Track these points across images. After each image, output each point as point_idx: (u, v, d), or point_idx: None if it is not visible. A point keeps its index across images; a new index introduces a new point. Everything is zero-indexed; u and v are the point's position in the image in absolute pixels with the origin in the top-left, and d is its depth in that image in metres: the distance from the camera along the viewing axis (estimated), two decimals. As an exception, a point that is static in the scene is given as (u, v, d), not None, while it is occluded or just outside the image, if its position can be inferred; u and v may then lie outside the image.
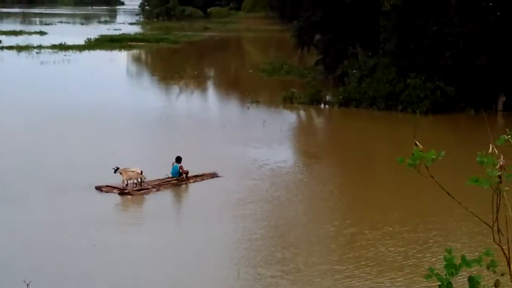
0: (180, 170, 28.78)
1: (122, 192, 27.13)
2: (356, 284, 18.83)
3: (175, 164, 29.00)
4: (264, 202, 26.13)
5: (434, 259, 19.89)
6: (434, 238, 22.03)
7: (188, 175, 28.93)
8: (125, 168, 27.30)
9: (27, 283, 15.18)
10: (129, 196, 27.09)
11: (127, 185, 27.33)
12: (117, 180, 27.34)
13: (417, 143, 5.07)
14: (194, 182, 29.06)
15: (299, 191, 28.31)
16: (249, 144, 35.76)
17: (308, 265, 19.97)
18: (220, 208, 25.37)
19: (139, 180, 27.64)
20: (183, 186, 28.76)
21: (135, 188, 27.44)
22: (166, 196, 28.08)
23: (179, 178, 28.80)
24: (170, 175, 28.87)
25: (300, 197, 27.46)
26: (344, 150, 36.59)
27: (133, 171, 27.44)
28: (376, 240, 21.86)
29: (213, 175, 29.60)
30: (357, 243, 21.67)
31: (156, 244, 22.04)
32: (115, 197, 26.98)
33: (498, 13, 42.94)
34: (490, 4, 42.82)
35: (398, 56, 46.97)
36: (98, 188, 27.28)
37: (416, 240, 21.93)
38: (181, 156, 29.09)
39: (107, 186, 27.35)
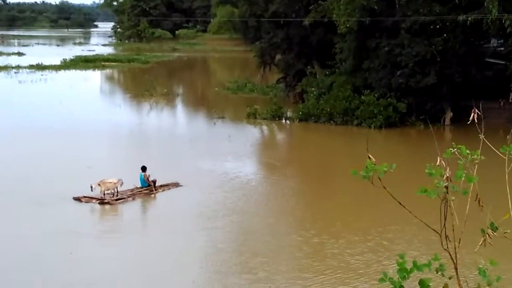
0: (145, 179, 28.87)
1: (102, 202, 26.98)
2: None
3: (140, 173, 29.04)
4: (231, 213, 25.99)
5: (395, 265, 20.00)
6: (394, 246, 21.96)
7: (156, 184, 28.99)
8: (102, 180, 27.18)
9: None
10: (109, 206, 26.96)
11: (104, 195, 27.18)
12: (94, 192, 27.24)
13: (370, 156, 5.16)
14: (162, 191, 29.10)
15: (265, 202, 28.20)
16: (215, 157, 35.69)
17: (277, 273, 19.80)
18: (189, 219, 25.13)
19: (116, 190, 27.58)
20: (153, 195, 28.71)
21: (113, 198, 27.33)
22: (139, 206, 27.95)
23: (149, 188, 28.80)
24: (139, 185, 28.87)
25: (265, 208, 27.36)
26: (305, 163, 36.60)
27: (110, 182, 27.40)
28: (341, 249, 21.78)
29: (176, 185, 29.70)
30: (322, 252, 21.56)
31: (131, 254, 21.82)
32: (94, 207, 26.76)
33: (445, 35, 43.36)
34: (438, 26, 43.20)
35: (353, 74, 47.34)
36: (77, 199, 27.04)
37: (377, 248, 21.86)
38: (146, 166, 29.20)
39: (85, 197, 27.13)
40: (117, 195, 27.56)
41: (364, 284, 19.05)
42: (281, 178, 32.51)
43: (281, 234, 23.68)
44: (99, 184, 27.07)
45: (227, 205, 26.90)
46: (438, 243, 5.25)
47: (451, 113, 45.20)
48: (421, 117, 45.05)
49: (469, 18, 40.47)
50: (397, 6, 45.14)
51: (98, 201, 27.02)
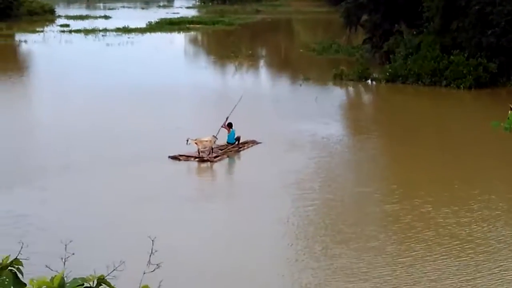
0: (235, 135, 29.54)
1: (202, 160, 27.48)
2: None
3: (231, 130, 29.47)
4: (319, 177, 26.00)
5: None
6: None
7: (240, 141, 29.69)
8: (198, 138, 27.59)
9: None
10: (208, 163, 27.46)
11: (199, 153, 27.66)
12: (187, 150, 27.72)
13: None
14: (247, 148, 29.63)
15: (354, 166, 28.20)
16: (303, 118, 35.72)
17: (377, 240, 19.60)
18: (277, 183, 24.79)
19: (212, 148, 28.06)
20: (242, 152, 29.34)
21: (212, 156, 27.81)
22: (231, 166, 28.45)
23: (237, 145, 29.51)
24: (225, 142, 29.48)
25: (356, 172, 27.35)
26: (393, 124, 36.38)
27: (207, 140, 27.87)
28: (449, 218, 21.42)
29: (254, 142, 30.15)
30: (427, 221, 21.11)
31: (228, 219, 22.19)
32: (191, 166, 27.31)
33: (539, -8, 42.18)
34: (531, -17, 42.07)
35: (441, 34, 46.47)
36: (174, 158, 27.53)
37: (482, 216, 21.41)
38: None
39: (182, 155, 27.63)
40: (213, 153, 28.01)
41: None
42: (364, 138, 32.43)
43: (352, 193, 23.70)
44: (196, 143, 27.50)
45: (315, 168, 26.94)
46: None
47: (544, 73, 44.08)
48: (512, 77, 44.17)
49: None
50: (489, -39, 44.02)
51: (197, 159, 27.53)
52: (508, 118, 4.85)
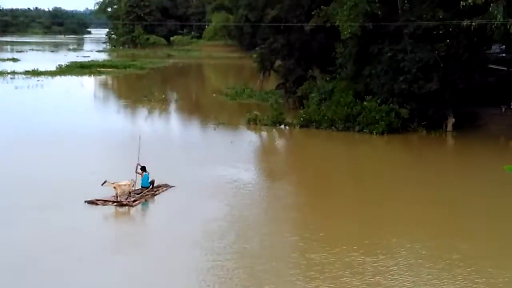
0: (149, 178, 28.87)
1: (121, 204, 26.57)
2: None
3: (144, 173, 28.70)
4: (231, 220, 25.32)
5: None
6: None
7: (153, 185, 29.01)
8: (115, 182, 26.68)
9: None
10: (126, 208, 26.56)
11: (117, 197, 26.76)
12: (104, 194, 26.73)
13: None
14: (162, 192, 28.88)
15: (264, 210, 27.50)
16: (217, 162, 35.11)
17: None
18: (189, 227, 24.02)
19: (129, 192, 27.28)
20: (157, 196, 28.50)
21: (131, 200, 26.99)
22: (143, 211, 27.45)
23: (152, 189, 28.74)
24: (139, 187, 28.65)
25: (264, 215, 26.69)
26: (307, 169, 35.92)
27: (125, 185, 27.03)
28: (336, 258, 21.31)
29: (167, 186, 29.40)
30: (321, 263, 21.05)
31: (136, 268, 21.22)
32: (107, 212, 26.22)
33: (448, 40, 43.07)
34: (441, 32, 42.86)
35: (354, 80, 46.96)
36: (91, 202, 26.47)
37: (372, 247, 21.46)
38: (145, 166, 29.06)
39: (99, 200, 26.62)
40: (131, 197, 27.21)
41: None
42: (283, 184, 32.01)
43: (281, 242, 22.91)
44: (114, 187, 26.57)
45: (231, 215, 26.13)
46: None
47: (454, 119, 44.90)
48: (423, 123, 44.78)
49: (473, 23, 40.13)
50: (400, 11, 44.88)
51: (115, 204, 26.58)
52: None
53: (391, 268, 20.01)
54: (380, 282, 18.91)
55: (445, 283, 18.92)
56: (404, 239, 22.80)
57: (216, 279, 19.14)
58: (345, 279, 19.12)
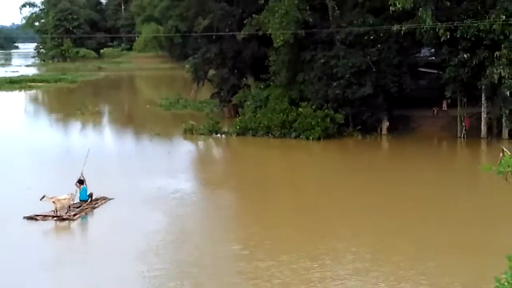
0: (87, 191, 28.62)
1: (61, 218, 26.17)
2: None
3: (82, 186, 28.39)
4: (169, 230, 25.20)
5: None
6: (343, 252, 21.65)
7: (92, 198, 28.72)
8: (54, 197, 26.25)
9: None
10: (67, 222, 26.18)
11: (56, 212, 26.35)
12: (43, 209, 26.37)
13: (505, 150, 4.78)
14: (101, 204, 28.61)
15: (202, 218, 27.51)
16: (154, 173, 34.90)
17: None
18: (128, 242, 23.59)
19: (69, 206, 26.91)
20: (96, 209, 28.22)
21: (71, 214, 26.61)
22: (84, 225, 27.06)
23: (91, 202, 28.42)
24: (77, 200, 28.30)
25: (203, 224, 26.67)
26: (245, 176, 35.99)
27: (65, 199, 26.66)
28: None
29: (106, 198, 29.15)
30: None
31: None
32: (50, 224, 25.89)
33: (379, 45, 43.72)
34: (372, 37, 43.53)
35: (289, 87, 47.17)
36: (30, 218, 25.99)
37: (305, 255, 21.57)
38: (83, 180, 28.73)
39: (38, 215, 26.18)
40: (70, 211, 26.82)
41: None
42: (223, 194, 31.94)
43: (226, 252, 22.75)
44: (53, 202, 26.14)
45: (168, 222, 26.13)
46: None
47: (388, 123, 45.54)
48: (358, 128, 45.33)
49: (403, 28, 40.86)
50: (330, 18, 45.31)
51: (55, 218, 26.15)
52: (500, 161, 4.41)
53: (338, 273, 20.13)
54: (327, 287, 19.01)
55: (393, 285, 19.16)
56: (349, 243, 22.97)
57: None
58: (293, 286, 19.11)
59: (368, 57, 43.67)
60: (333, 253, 22.05)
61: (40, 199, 25.95)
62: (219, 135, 47.63)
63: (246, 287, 19.18)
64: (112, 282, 19.93)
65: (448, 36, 40.06)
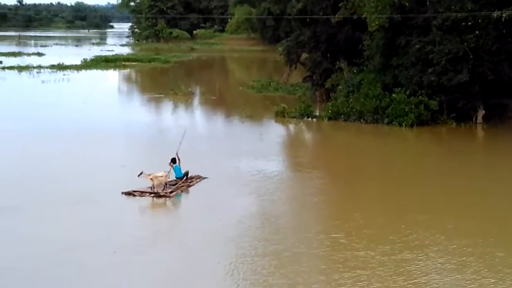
0: (181, 169, 28.95)
1: (158, 195, 26.73)
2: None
3: (174, 165, 28.83)
4: (258, 213, 25.13)
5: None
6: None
7: (188, 176, 29.15)
8: (151, 174, 26.84)
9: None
10: (164, 199, 26.72)
11: (153, 188, 26.96)
12: (140, 186, 26.99)
13: None
14: (196, 183, 29.04)
15: (291, 203, 27.50)
16: (247, 155, 35.05)
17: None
18: (222, 222, 23.73)
19: (166, 183, 27.45)
20: (192, 187, 28.67)
21: (168, 191, 27.12)
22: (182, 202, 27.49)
23: (186, 180, 28.85)
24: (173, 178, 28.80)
25: (291, 209, 26.61)
26: (335, 162, 35.82)
27: (162, 176, 27.22)
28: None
29: (200, 177, 29.52)
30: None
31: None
32: (147, 200, 26.48)
33: (477, 32, 42.63)
34: (470, 23, 42.47)
35: (382, 72, 46.66)
36: (128, 194, 26.64)
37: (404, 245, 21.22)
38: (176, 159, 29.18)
39: (136, 191, 26.79)
40: (167, 188, 27.37)
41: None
42: (317, 177, 31.77)
43: (321, 240, 22.28)
44: (151, 179, 26.72)
45: (261, 205, 26.13)
46: None
47: (483, 111, 44.50)
48: (452, 115, 44.41)
49: (504, 15, 39.76)
50: (428, 3, 44.39)
51: (152, 195, 26.77)
52: None
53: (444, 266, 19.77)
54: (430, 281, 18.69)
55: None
56: (451, 235, 22.46)
57: (255, 279, 18.89)
58: (395, 277, 18.68)
59: (465, 44, 42.61)
60: (436, 245, 21.25)
61: (138, 176, 26.46)
62: (310, 118, 47.50)
63: (345, 275, 18.82)
64: (209, 264, 19.93)
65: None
